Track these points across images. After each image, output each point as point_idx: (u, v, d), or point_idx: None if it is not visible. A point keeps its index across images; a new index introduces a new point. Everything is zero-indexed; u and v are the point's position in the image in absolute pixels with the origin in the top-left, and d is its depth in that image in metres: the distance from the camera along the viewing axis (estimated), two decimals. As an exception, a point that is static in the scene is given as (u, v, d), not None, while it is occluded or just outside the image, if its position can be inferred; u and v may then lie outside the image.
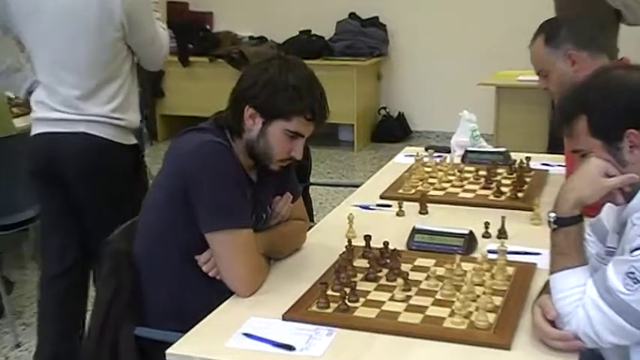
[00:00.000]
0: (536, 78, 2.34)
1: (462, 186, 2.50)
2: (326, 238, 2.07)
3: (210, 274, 1.75)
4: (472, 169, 2.64)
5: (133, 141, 2.62)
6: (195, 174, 1.69)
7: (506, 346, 1.46)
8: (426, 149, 2.89)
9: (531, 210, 2.19)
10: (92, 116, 2.51)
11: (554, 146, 2.38)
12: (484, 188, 2.47)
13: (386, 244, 1.86)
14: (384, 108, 6.74)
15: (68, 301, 2.61)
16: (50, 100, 2.50)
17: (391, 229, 2.13)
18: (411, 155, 2.81)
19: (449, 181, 2.54)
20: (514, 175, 2.54)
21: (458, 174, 2.58)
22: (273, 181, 1.91)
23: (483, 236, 2.05)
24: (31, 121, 2.58)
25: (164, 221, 1.77)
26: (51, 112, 2.50)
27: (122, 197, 2.51)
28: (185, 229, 1.74)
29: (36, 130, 2.53)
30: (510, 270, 1.78)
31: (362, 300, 1.65)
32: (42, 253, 2.68)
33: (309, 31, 6.58)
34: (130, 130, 2.61)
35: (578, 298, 1.40)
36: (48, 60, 2.49)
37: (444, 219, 2.19)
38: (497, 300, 1.63)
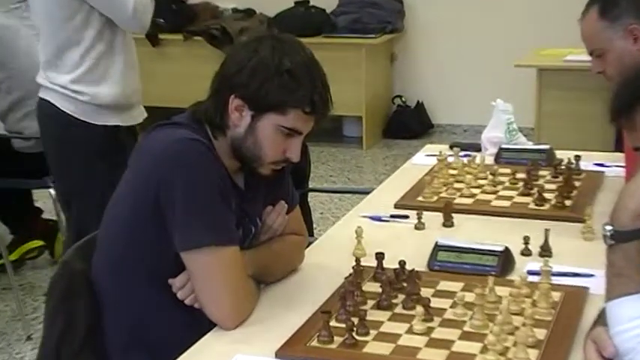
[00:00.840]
0: (589, 58, 2.35)
1: (495, 192, 2.51)
2: (329, 257, 2.08)
3: (186, 301, 1.76)
4: (508, 170, 2.65)
5: (110, 121, 2.78)
6: (167, 179, 1.69)
7: (552, 389, 1.46)
8: (451, 147, 2.90)
9: (582, 221, 2.20)
10: (55, 85, 2.78)
11: (622, 144, 2.37)
12: (523, 194, 2.48)
13: (402, 263, 1.87)
14: (399, 96, 6.76)
15: None
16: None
17: (408, 245, 2.14)
18: (433, 155, 2.81)
19: (479, 186, 2.55)
20: (560, 179, 2.55)
21: (490, 177, 2.59)
22: (263, 187, 1.92)
23: (522, 254, 2.05)
24: None
25: (130, 237, 1.77)
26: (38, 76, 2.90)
27: (88, 186, 2.63)
28: (156, 247, 1.75)
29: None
30: (556, 296, 1.78)
31: (373, 333, 1.65)
32: None
33: (307, 2, 6.60)
34: (102, 107, 2.77)
35: (640, 331, 1.40)
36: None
37: (473, 233, 2.20)
38: (541, 333, 1.63)
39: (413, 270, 1.82)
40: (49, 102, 2.86)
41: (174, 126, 1.81)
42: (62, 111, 2.82)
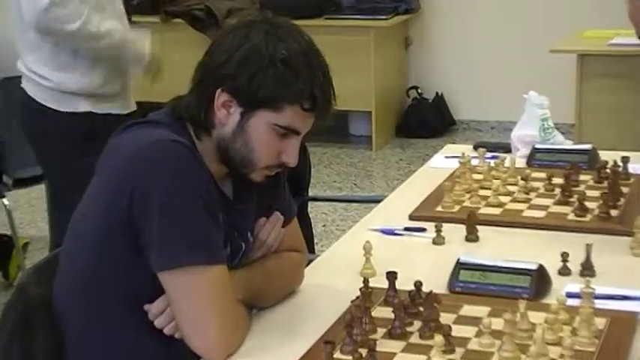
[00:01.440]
0: (638, 42, 2.35)
1: (527, 200, 2.51)
2: (332, 277, 2.08)
3: (165, 330, 1.76)
4: (542, 175, 2.65)
5: (79, 108, 2.96)
6: (142, 188, 1.69)
7: None
8: (476, 147, 2.90)
9: (630, 235, 2.20)
10: (22, 67, 3.00)
11: None
12: (560, 203, 2.48)
13: (418, 285, 1.87)
14: (415, 88, 6.76)
15: None
16: None
17: (426, 263, 2.13)
18: (454, 156, 2.81)
19: (509, 194, 2.55)
20: (604, 184, 2.55)
21: (522, 183, 2.59)
22: (256, 196, 1.92)
23: (560, 273, 2.05)
24: None
25: (98, 257, 1.77)
26: None
27: (63, 174, 2.92)
28: (129, 268, 1.75)
29: None
30: (600, 322, 1.78)
31: (385, 367, 1.65)
32: None
33: (306, -24, 6.61)
34: (71, 94, 2.93)
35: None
36: None
37: (501, 248, 2.20)
38: (582, 366, 1.63)
39: (431, 292, 1.82)
40: (22, 86, 3.04)
41: (150, 125, 1.81)
42: (27, 94, 2.98)
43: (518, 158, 2.82)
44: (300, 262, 2.03)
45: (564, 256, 2.07)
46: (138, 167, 1.71)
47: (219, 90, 1.77)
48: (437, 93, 6.72)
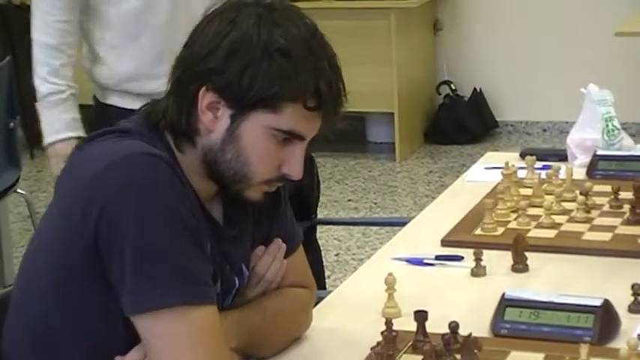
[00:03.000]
0: None
1: (588, 220, 2.51)
2: (347, 319, 2.08)
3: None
4: (606, 189, 2.65)
5: None
6: (110, 214, 1.70)
7: None
8: (523, 155, 2.90)
9: None
10: None
11: None
12: (630, 223, 2.48)
13: (454, 327, 1.87)
14: (448, 83, 6.78)
15: None
16: None
17: (463, 299, 2.13)
18: (496, 167, 2.81)
19: (565, 212, 2.55)
20: (684, 199, 2.55)
21: (581, 198, 2.58)
22: (251, 219, 1.92)
23: (630, 310, 2.04)
24: None
25: (58, 299, 1.77)
26: None
27: None
28: (94, 313, 1.74)
29: None
30: (681, 370, 1.77)
31: None
32: None
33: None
34: None
35: None
36: None
37: (556, 280, 2.20)
38: None
39: (469, 336, 1.82)
40: None
41: (121, 136, 1.81)
42: None
43: (577, 168, 2.82)
44: (308, 300, 2.03)
45: (635, 289, 2.06)
46: (104, 189, 1.71)
47: (203, 89, 1.77)
48: (474, 89, 6.74)
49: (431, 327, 1.90)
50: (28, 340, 1.81)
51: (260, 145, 1.78)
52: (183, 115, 1.80)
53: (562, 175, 2.71)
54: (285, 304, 1.96)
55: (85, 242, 1.71)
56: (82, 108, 3.04)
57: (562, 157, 2.95)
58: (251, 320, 1.88)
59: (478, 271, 2.27)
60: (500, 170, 2.69)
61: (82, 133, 2.96)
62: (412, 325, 1.91)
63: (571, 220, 2.51)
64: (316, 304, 2.09)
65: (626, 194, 2.57)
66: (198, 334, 1.71)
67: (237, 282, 1.90)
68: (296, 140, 1.79)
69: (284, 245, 1.96)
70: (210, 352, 1.73)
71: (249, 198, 1.84)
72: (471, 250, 2.31)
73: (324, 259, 3.22)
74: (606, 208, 2.57)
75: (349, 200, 5.79)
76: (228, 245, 1.87)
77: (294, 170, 1.81)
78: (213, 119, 1.78)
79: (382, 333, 1.89)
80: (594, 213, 2.54)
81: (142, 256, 1.69)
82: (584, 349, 1.76)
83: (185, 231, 1.72)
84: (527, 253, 2.29)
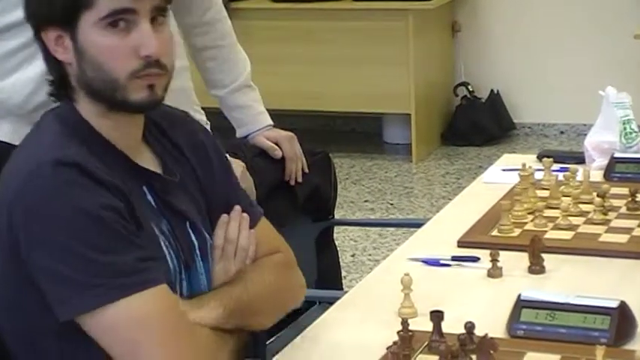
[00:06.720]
0: None
1: (605, 222, 2.51)
2: (363, 319, 2.08)
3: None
4: (624, 191, 2.65)
5: None
6: (25, 235, 1.71)
7: None
8: (540, 157, 2.90)
9: None
10: None
11: None
12: (647, 226, 2.48)
13: (470, 327, 1.87)
14: (465, 84, 6.77)
15: None
16: None
17: (479, 300, 2.14)
18: (514, 169, 2.81)
19: (582, 214, 2.55)
20: (701, 202, 2.55)
21: (598, 200, 2.58)
22: (189, 170, 1.94)
23: (646, 312, 2.05)
24: None
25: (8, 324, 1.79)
26: None
27: None
28: (41, 331, 1.75)
29: None
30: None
31: None
32: None
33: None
34: None
35: None
36: None
37: (573, 281, 2.20)
38: None
39: (485, 336, 1.82)
40: None
41: (37, 132, 1.85)
42: None
43: (594, 170, 2.82)
44: (286, 261, 2.05)
45: (651, 291, 2.07)
46: (18, 209, 1.73)
47: (42, 33, 1.81)
48: (492, 90, 6.72)
49: (447, 327, 1.90)
50: None
51: (100, 44, 1.78)
52: (53, 70, 1.85)
53: (579, 177, 2.70)
54: (266, 270, 1.98)
55: (10, 262, 1.74)
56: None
57: (579, 159, 2.95)
58: (234, 289, 1.90)
59: (494, 272, 2.27)
60: (518, 172, 2.70)
61: None
62: (428, 326, 1.92)
63: (588, 222, 2.51)
64: (332, 303, 2.10)
65: (643, 197, 2.58)
66: (146, 318, 1.71)
67: (195, 240, 1.91)
68: (131, 18, 1.78)
69: (245, 214, 1.97)
70: (167, 331, 1.73)
71: (136, 102, 1.81)
72: (488, 251, 2.31)
73: (340, 260, 3.22)
74: (623, 210, 2.57)
75: (366, 201, 5.79)
76: (173, 194, 1.89)
77: (150, 46, 1.78)
78: (64, 51, 1.81)
79: (398, 333, 1.89)
80: (611, 215, 2.55)
81: (66, 254, 1.70)
82: (600, 351, 1.76)
83: (104, 229, 1.71)
84: (543, 255, 2.30)
